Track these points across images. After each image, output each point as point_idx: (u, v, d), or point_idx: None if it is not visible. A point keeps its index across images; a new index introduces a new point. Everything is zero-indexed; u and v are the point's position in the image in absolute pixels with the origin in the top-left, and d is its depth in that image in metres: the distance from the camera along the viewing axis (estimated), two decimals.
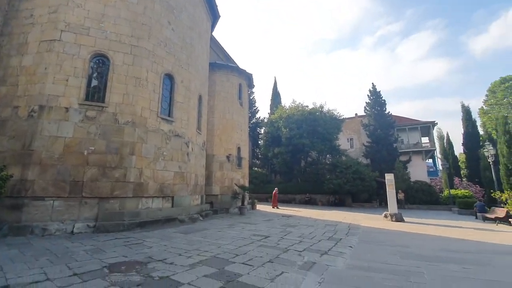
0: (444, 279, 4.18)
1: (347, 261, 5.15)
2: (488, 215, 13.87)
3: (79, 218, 7.34)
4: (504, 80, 39.98)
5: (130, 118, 8.65)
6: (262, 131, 34.14)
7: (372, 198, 24.15)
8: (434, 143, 34.42)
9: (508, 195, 11.49)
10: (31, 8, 8.54)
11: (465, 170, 32.17)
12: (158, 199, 9.17)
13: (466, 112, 32.53)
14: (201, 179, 12.27)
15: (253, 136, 36.13)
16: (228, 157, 15.80)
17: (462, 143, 32.29)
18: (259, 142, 34.77)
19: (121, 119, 8.49)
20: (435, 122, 34.31)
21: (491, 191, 14.25)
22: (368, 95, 31.60)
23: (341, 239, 7.50)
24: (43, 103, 7.60)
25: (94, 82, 8.57)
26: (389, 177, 13.55)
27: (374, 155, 28.40)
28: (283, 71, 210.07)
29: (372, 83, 31.48)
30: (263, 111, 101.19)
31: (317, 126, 25.61)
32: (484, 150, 22.19)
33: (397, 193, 17.60)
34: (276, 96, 39.41)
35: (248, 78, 18.63)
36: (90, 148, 7.87)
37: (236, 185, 15.43)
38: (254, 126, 37.28)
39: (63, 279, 3.53)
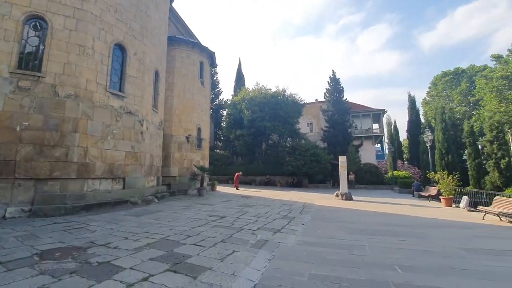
0: (383, 250, 4.62)
1: (298, 238, 5.40)
2: (423, 193, 15.78)
3: (12, 202, 6.55)
4: (444, 74, 44.60)
5: (72, 91, 7.72)
6: (225, 113, 33.55)
7: (326, 179, 25.71)
8: (383, 129, 37.62)
9: (440, 175, 12.92)
10: None
11: (407, 154, 35.94)
12: (107, 180, 8.54)
13: (412, 102, 35.86)
14: (157, 160, 11.70)
15: (216, 117, 35.37)
16: (187, 138, 15.27)
17: (407, 130, 35.74)
18: (222, 124, 34.20)
19: (61, 92, 7.54)
20: (385, 110, 37.36)
21: (427, 172, 16.03)
22: (328, 82, 32.62)
23: (294, 217, 7.85)
24: None
25: (29, 49, 7.41)
26: (342, 159, 14.41)
27: (331, 139, 29.89)
28: (247, 53, 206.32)
29: (333, 70, 32.59)
30: (227, 93, 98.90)
31: (279, 109, 25.91)
32: (424, 136, 24.77)
33: (348, 174, 18.98)
34: (240, 78, 38.69)
35: (210, 56, 17.81)
36: (24, 123, 6.93)
37: (195, 166, 15.09)
38: (217, 108, 36.40)
39: None
